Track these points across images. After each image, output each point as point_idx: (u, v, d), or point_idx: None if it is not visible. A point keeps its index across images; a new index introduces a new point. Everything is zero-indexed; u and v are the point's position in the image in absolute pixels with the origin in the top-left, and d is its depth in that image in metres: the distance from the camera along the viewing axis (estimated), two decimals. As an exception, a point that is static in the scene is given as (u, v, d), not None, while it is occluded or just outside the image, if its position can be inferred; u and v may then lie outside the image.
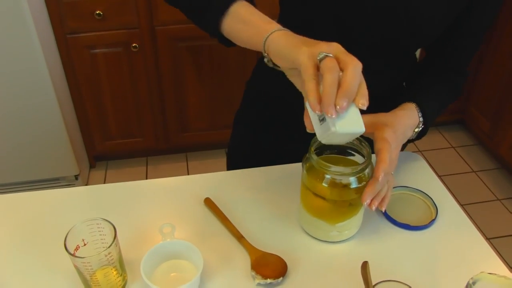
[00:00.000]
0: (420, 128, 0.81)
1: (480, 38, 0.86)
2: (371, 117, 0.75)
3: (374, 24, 0.78)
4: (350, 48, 0.83)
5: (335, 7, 0.78)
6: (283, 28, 0.65)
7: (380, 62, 0.85)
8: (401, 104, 0.82)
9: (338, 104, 0.54)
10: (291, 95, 0.92)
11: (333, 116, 0.55)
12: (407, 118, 0.79)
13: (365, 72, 0.89)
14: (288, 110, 0.93)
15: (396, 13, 0.76)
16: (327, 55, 0.56)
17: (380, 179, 0.65)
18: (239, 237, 0.75)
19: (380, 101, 0.91)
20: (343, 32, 0.80)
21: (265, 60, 0.67)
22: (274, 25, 0.65)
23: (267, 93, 0.97)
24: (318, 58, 0.57)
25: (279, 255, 0.72)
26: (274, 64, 0.66)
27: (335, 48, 0.58)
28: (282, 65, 0.64)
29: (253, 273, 0.69)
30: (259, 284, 0.68)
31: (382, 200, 0.70)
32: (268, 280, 0.68)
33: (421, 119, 0.81)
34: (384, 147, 0.68)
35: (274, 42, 0.63)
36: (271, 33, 0.64)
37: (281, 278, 0.69)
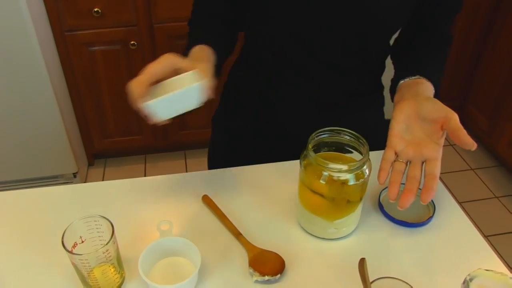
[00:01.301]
0: None
1: (455, 2, 0.85)
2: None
3: (338, 23, 0.78)
4: (319, 49, 0.84)
5: (294, 12, 0.78)
6: None
7: (351, 60, 0.85)
8: (412, 82, 0.79)
9: (139, 107, 0.68)
10: (266, 96, 0.95)
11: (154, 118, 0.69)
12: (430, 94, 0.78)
13: (338, 71, 0.91)
14: (264, 114, 0.94)
15: (356, 10, 0.76)
16: None
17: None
18: (237, 235, 0.75)
19: (359, 97, 0.91)
20: (306, 35, 0.80)
21: None
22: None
23: (242, 94, 0.97)
24: None
25: (277, 252, 0.72)
26: None
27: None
28: None
29: (251, 270, 0.69)
30: (257, 281, 0.68)
31: (409, 192, 0.68)
32: (266, 277, 0.68)
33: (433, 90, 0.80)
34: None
35: None
36: None
37: (278, 275, 0.69)
